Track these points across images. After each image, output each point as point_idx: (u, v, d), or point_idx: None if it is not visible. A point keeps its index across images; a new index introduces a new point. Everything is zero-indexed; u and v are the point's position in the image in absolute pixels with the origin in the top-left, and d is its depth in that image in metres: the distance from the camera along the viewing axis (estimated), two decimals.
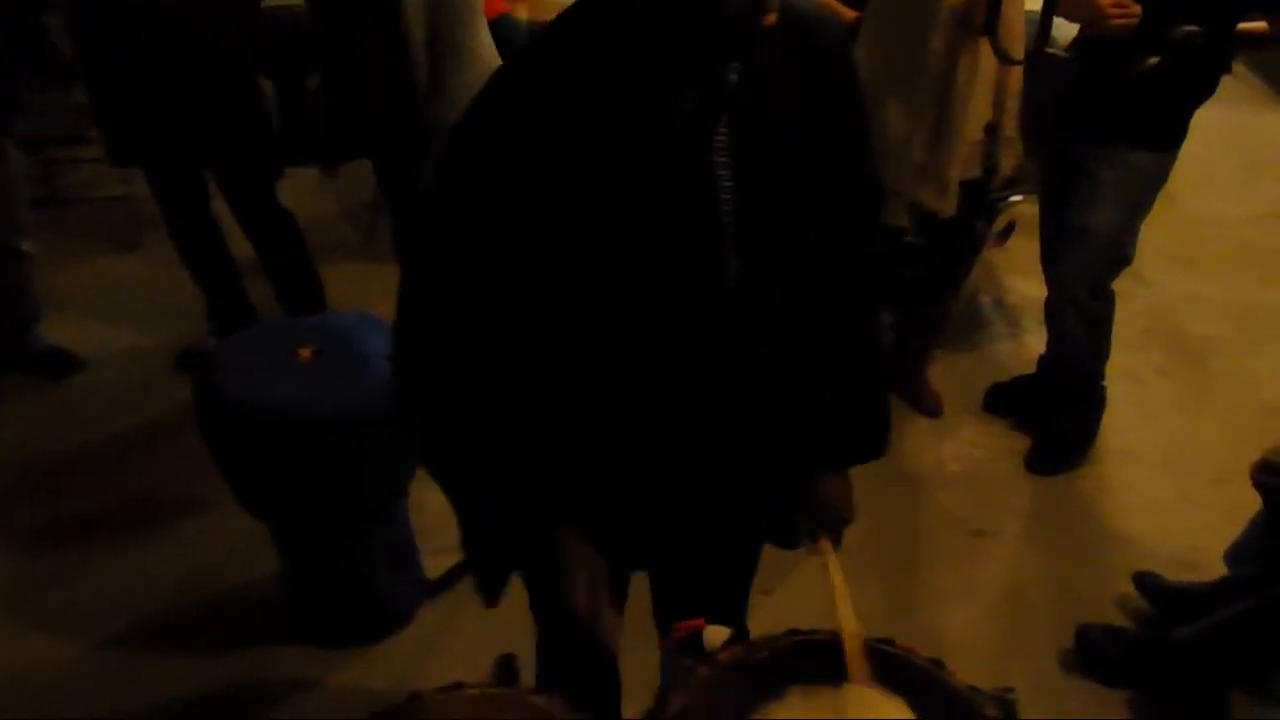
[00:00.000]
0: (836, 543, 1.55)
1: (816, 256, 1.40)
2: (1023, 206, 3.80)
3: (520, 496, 1.39)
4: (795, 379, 1.48)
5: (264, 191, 3.29)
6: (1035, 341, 3.36)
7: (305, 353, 2.34)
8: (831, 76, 1.35)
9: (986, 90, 2.75)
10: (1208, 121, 2.78)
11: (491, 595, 1.45)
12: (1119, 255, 2.92)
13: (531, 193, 1.20)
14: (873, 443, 1.63)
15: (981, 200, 3.01)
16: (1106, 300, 2.99)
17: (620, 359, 1.33)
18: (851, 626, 1.32)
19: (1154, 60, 2.59)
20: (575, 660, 1.56)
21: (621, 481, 1.46)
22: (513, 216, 1.22)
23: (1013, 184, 3.05)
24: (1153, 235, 4.02)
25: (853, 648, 1.29)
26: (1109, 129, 2.76)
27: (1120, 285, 3.03)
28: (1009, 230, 4.00)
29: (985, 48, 2.66)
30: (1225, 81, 2.77)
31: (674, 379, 1.35)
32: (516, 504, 1.39)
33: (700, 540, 1.59)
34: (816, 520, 1.58)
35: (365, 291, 3.98)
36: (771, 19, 1.14)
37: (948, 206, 2.86)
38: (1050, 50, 3.12)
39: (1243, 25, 2.61)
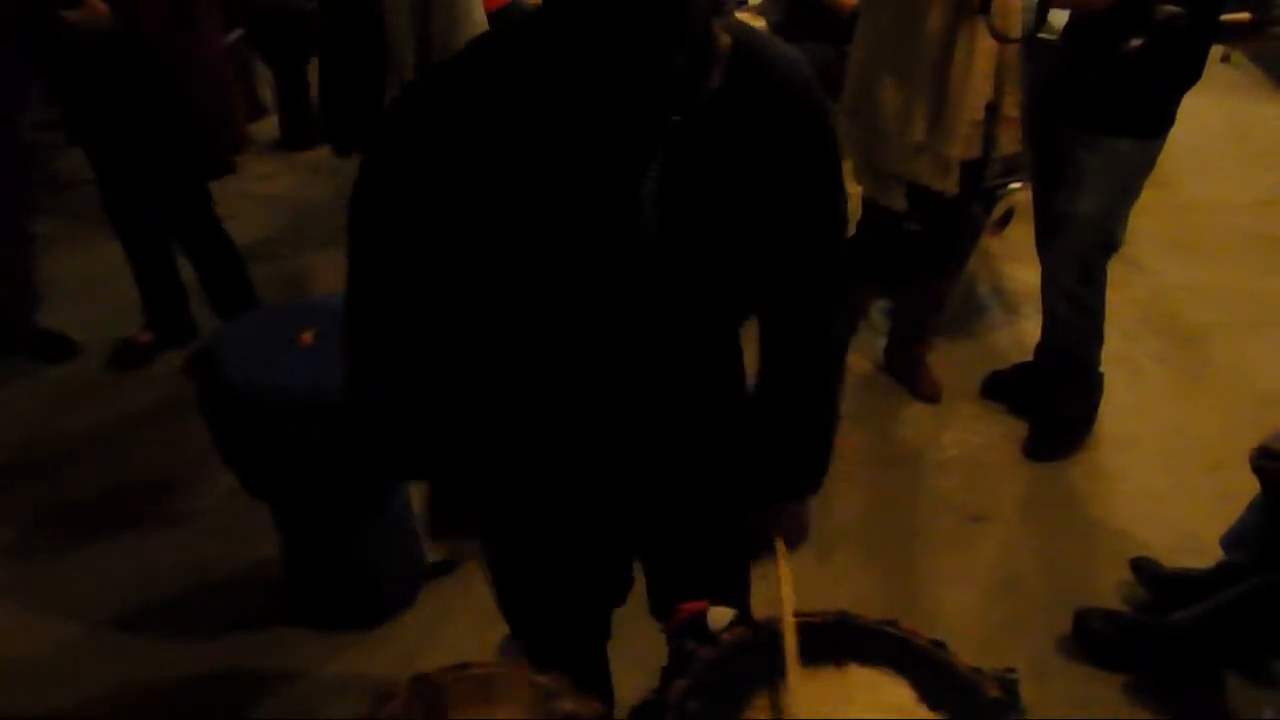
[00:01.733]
0: (790, 547, 1.54)
1: (742, 271, 1.38)
2: (1021, 194, 3.81)
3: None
4: (727, 389, 1.53)
5: (193, 197, 3.32)
6: (1033, 328, 3.37)
7: (307, 336, 2.35)
8: (789, 120, 1.29)
9: (986, 69, 2.75)
10: (1206, 110, 2.80)
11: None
12: (1106, 241, 2.93)
13: (459, 181, 1.25)
14: (809, 482, 1.59)
15: (980, 183, 3.02)
16: (1096, 286, 3.00)
17: (552, 349, 1.40)
18: (789, 610, 1.33)
19: (1137, 42, 2.59)
20: (550, 648, 1.57)
21: (573, 464, 1.52)
22: (440, 201, 1.27)
23: (1012, 170, 3.06)
24: (1150, 223, 4.05)
25: (789, 636, 1.29)
26: (1092, 115, 2.76)
27: (1117, 272, 3.04)
28: (1007, 217, 4.02)
29: (983, 26, 2.66)
30: (1223, 70, 2.79)
31: (604, 369, 1.41)
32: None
33: (677, 519, 1.61)
34: (769, 526, 1.55)
35: None
36: (716, 82, 1.13)
37: (950, 185, 2.86)
38: (1043, 35, 3.13)
39: (1226, 16, 2.60)
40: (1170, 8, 2.54)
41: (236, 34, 4.74)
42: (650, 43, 1.08)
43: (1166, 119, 2.79)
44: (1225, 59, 5.77)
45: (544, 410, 1.48)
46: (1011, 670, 1.29)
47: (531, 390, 1.46)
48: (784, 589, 1.36)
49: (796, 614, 1.34)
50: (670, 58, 1.09)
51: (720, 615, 1.35)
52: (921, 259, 3.22)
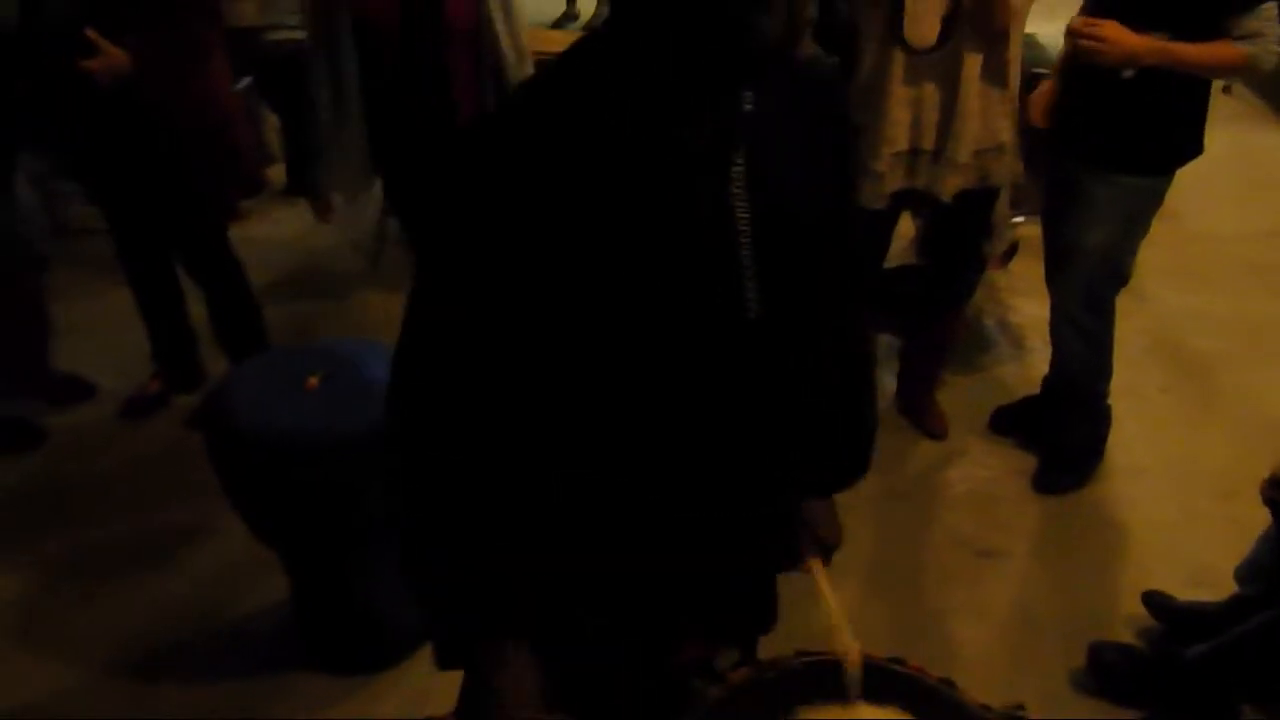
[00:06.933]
0: (825, 563, 1.54)
1: (828, 288, 1.40)
2: (1025, 228, 3.82)
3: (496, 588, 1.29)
4: (801, 407, 1.45)
5: (207, 241, 3.33)
6: (1040, 362, 3.37)
7: (313, 380, 2.36)
8: (827, 112, 1.35)
9: (902, 96, 2.77)
10: (1209, 140, 2.80)
11: (449, 663, 1.36)
12: (1116, 274, 2.93)
13: (541, 227, 1.17)
14: (858, 465, 1.59)
15: (984, 216, 3.03)
16: (1105, 318, 2.99)
17: (641, 399, 1.27)
18: (849, 642, 1.31)
19: (1130, 73, 2.61)
20: None
21: (636, 528, 1.37)
22: (521, 250, 1.18)
23: (1015, 204, 3.07)
24: (1154, 252, 4.04)
25: (853, 664, 1.29)
26: (1103, 152, 2.78)
27: (1123, 302, 3.04)
28: (1012, 251, 4.03)
29: (898, 52, 2.70)
30: (1226, 101, 2.80)
31: (697, 414, 1.30)
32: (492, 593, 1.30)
33: (717, 586, 1.49)
34: (803, 541, 1.54)
35: (371, 319, 4.01)
36: (808, 45, 1.15)
37: (959, 180, 2.86)
38: (1039, 71, 3.15)
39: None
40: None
41: (245, 82, 4.79)
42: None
43: (1179, 156, 2.80)
44: (1227, 90, 5.80)
45: (623, 459, 1.32)
46: (1021, 707, 1.28)
47: (611, 442, 1.31)
48: (838, 625, 1.34)
49: (803, 653, 1.33)
50: (759, 24, 1.11)
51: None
52: (927, 294, 3.23)
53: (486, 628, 1.30)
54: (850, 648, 1.31)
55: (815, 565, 1.49)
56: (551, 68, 1.24)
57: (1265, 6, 2.51)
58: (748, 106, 1.21)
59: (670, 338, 1.24)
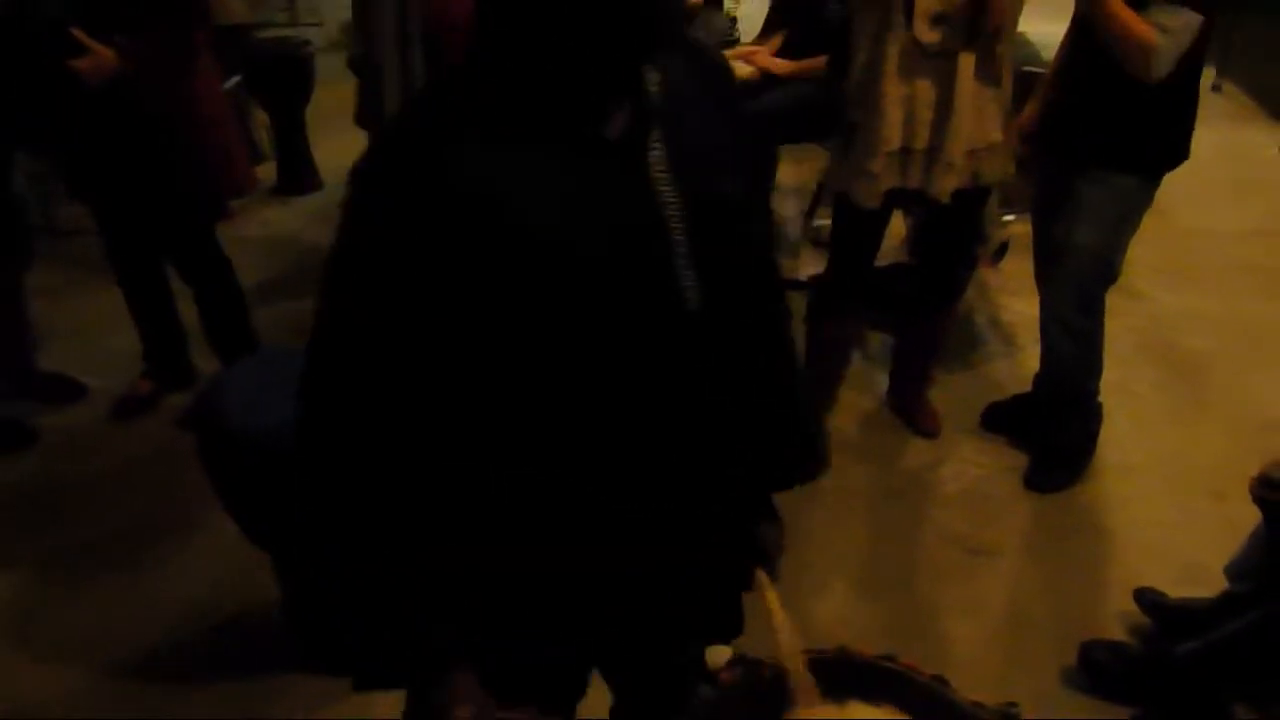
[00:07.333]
0: (773, 574, 1.49)
1: (758, 274, 1.38)
2: (1016, 226, 3.83)
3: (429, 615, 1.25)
4: (745, 403, 1.41)
5: (197, 241, 3.33)
6: (1031, 360, 3.37)
7: None
8: (723, 96, 1.32)
9: (895, 95, 2.77)
10: (1199, 138, 2.81)
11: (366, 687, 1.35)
12: (1105, 272, 2.93)
13: (460, 235, 1.10)
14: (809, 456, 1.56)
15: (976, 215, 3.03)
16: (1095, 316, 3.00)
17: (585, 399, 1.22)
18: (793, 652, 1.28)
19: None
20: None
21: (580, 525, 1.31)
22: (439, 262, 1.11)
23: (1006, 203, 3.08)
24: (1145, 251, 4.06)
25: (797, 670, 1.27)
26: (1094, 152, 2.78)
27: (1113, 300, 3.04)
28: (1003, 250, 4.04)
29: (893, 44, 2.70)
30: (1216, 99, 2.81)
31: (643, 411, 1.25)
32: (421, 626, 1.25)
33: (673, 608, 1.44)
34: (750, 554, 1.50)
35: None
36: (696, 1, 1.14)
37: (955, 180, 2.86)
38: (1030, 69, 3.16)
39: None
40: None
41: (234, 80, 4.78)
42: None
43: (1170, 157, 2.80)
44: (1216, 88, 5.83)
45: (562, 465, 1.27)
46: (1014, 705, 1.28)
47: (547, 448, 1.25)
48: (783, 639, 1.31)
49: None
50: None
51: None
52: (919, 293, 3.23)
53: (415, 651, 1.26)
54: (795, 657, 1.28)
55: (762, 579, 1.48)
56: (450, 75, 1.19)
57: (1189, 14, 2.51)
58: (654, 88, 1.18)
59: (611, 336, 1.19)
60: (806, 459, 1.55)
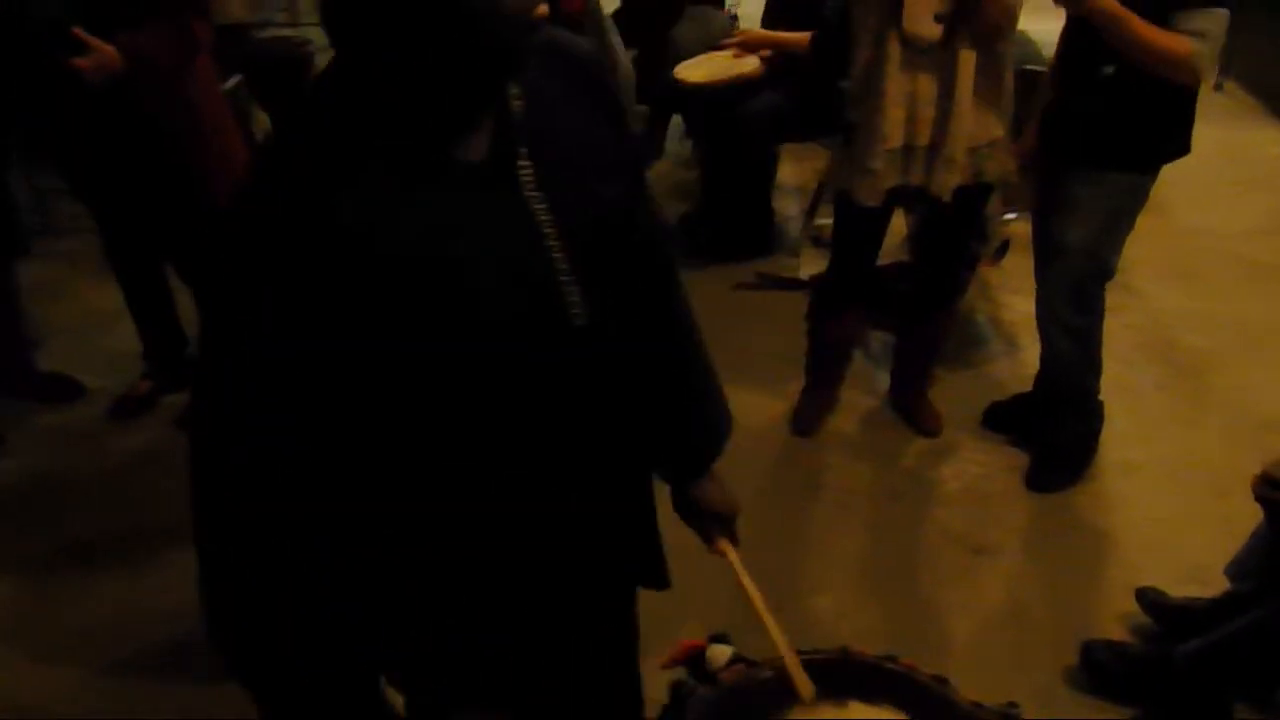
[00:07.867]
0: (733, 539, 1.51)
1: (647, 279, 1.36)
2: (1017, 225, 3.82)
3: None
4: (639, 404, 1.41)
5: (198, 233, 3.30)
6: (1032, 359, 3.37)
7: None
8: (596, 90, 1.29)
9: (895, 94, 2.76)
10: (1200, 136, 2.80)
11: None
12: (1101, 270, 2.93)
13: (337, 276, 1.05)
14: (717, 435, 1.54)
15: (977, 213, 3.02)
16: (1093, 315, 3.00)
17: (472, 428, 1.20)
18: (762, 609, 1.31)
19: (1110, 69, 2.62)
20: None
21: (485, 542, 1.29)
22: (317, 304, 1.06)
23: (1007, 201, 3.07)
24: (1146, 249, 4.06)
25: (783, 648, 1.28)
26: (1087, 150, 2.78)
27: (1114, 298, 3.04)
28: (1004, 248, 4.04)
29: (894, 46, 2.69)
30: (1217, 97, 2.80)
31: (537, 429, 1.24)
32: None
33: (574, 617, 1.43)
34: (706, 524, 1.52)
35: None
36: (543, 10, 1.07)
37: (956, 177, 2.85)
38: (1031, 67, 3.15)
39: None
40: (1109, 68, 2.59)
41: (234, 80, 4.77)
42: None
43: (1163, 154, 2.80)
44: (1218, 86, 5.81)
45: (459, 496, 1.25)
46: (1014, 705, 1.28)
47: (440, 482, 1.24)
48: (755, 601, 1.34)
49: (796, 652, 1.33)
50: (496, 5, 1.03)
51: (719, 653, 1.34)
52: (920, 292, 3.23)
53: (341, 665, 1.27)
54: (764, 614, 1.31)
55: (725, 546, 1.48)
56: (303, 108, 1.15)
57: (1219, 11, 2.50)
58: (517, 103, 1.16)
59: (498, 361, 1.16)
60: (714, 438, 1.54)
